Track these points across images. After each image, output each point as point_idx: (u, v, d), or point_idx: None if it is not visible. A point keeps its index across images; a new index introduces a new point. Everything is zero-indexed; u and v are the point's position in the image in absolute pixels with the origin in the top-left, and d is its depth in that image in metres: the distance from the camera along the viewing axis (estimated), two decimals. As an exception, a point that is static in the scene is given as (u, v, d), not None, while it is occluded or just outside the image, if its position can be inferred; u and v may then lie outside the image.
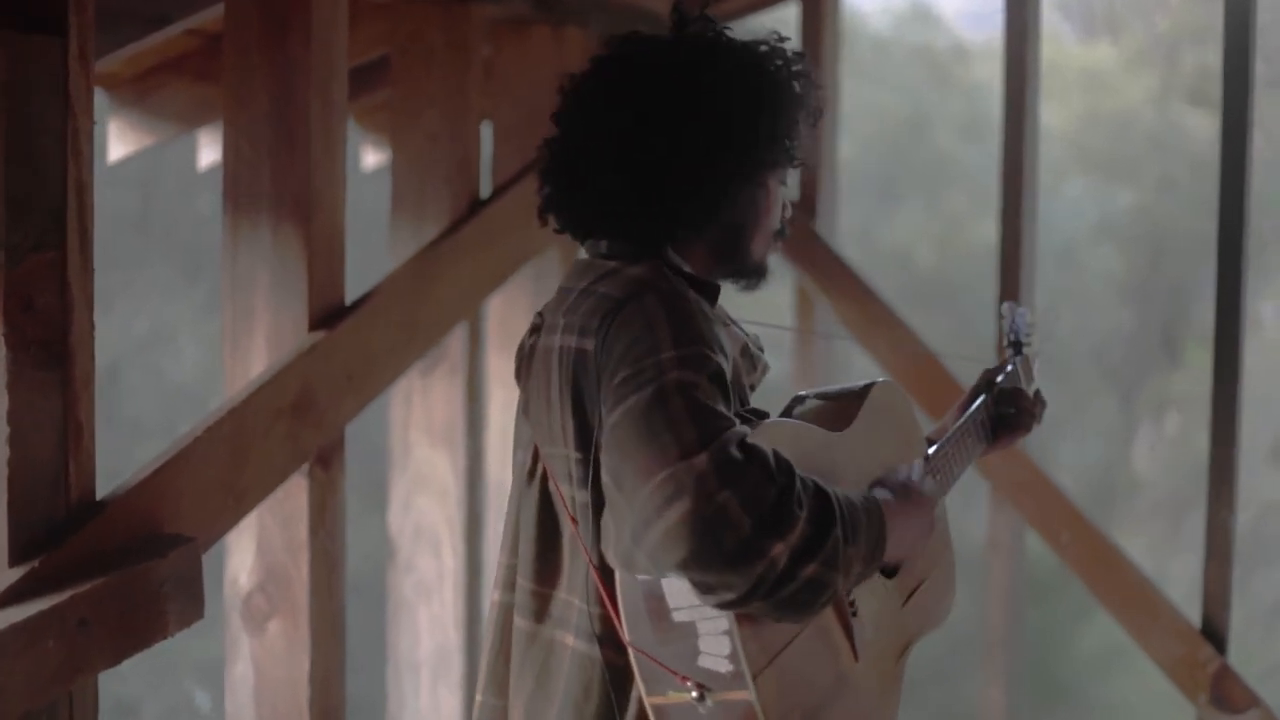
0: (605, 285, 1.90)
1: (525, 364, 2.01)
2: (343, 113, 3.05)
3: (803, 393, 2.18)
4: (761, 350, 2.17)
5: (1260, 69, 3.78)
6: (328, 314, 3.01)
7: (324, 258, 3.00)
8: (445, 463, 3.51)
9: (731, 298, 2.11)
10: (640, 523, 1.70)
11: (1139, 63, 14.46)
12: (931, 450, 2.31)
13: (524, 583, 1.99)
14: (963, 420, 2.45)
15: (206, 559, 2.57)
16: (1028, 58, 4.40)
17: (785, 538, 1.70)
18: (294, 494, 3.00)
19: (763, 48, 2.01)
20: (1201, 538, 3.83)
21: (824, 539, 1.74)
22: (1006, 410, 2.52)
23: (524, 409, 2.00)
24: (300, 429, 2.91)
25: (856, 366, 4.97)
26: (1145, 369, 13.89)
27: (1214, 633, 3.92)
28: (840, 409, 2.11)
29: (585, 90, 2.02)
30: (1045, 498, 4.27)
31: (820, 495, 1.77)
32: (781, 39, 2.04)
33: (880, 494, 1.97)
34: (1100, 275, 13.76)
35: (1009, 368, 2.62)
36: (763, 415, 1.99)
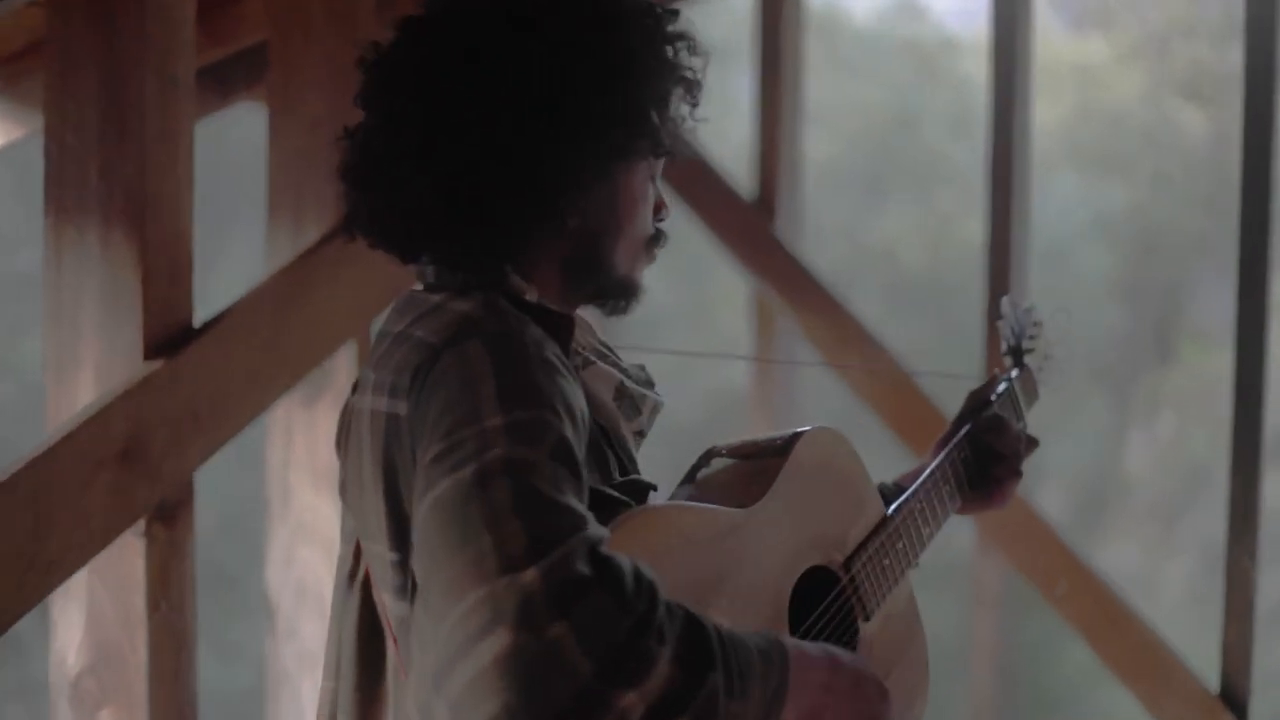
0: (423, 327, 1.49)
1: (344, 432, 1.57)
2: (189, 93, 2.53)
3: (717, 446, 1.73)
4: (650, 385, 1.71)
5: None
6: (169, 338, 2.52)
7: (164, 270, 2.49)
8: (333, 509, 3.00)
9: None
10: (444, 660, 1.23)
11: (1131, 57, 14.07)
12: (890, 510, 1.83)
13: (343, 718, 1.54)
14: (932, 467, 1.94)
15: (31, 627, 2.16)
16: (1017, 51, 4.07)
17: (640, 685, 1.23)
18: (128, 557, 2.49)
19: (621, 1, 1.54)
20: (1194, 542, 3.42)
21: (695, 688, 1.27)
22: (985, 446, 2.01)
23: (341, 491, 1.55)
24: (131, 480, 2.41)
25: (827, 390, 4.46)
26: (1138, 368, 13.55)
27: (1234, 698, 3.44)
28: (757, 471, 1.65)
29: (389, 62, 1.55)
30: (1036, 541, 3.77)
31: (693, 628, 1.30)
32: None
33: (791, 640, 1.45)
34: (1092, 273, 13.37)
35: (1001, 386, 2.10)
36: (643, 488, 1.57)
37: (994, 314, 2.46)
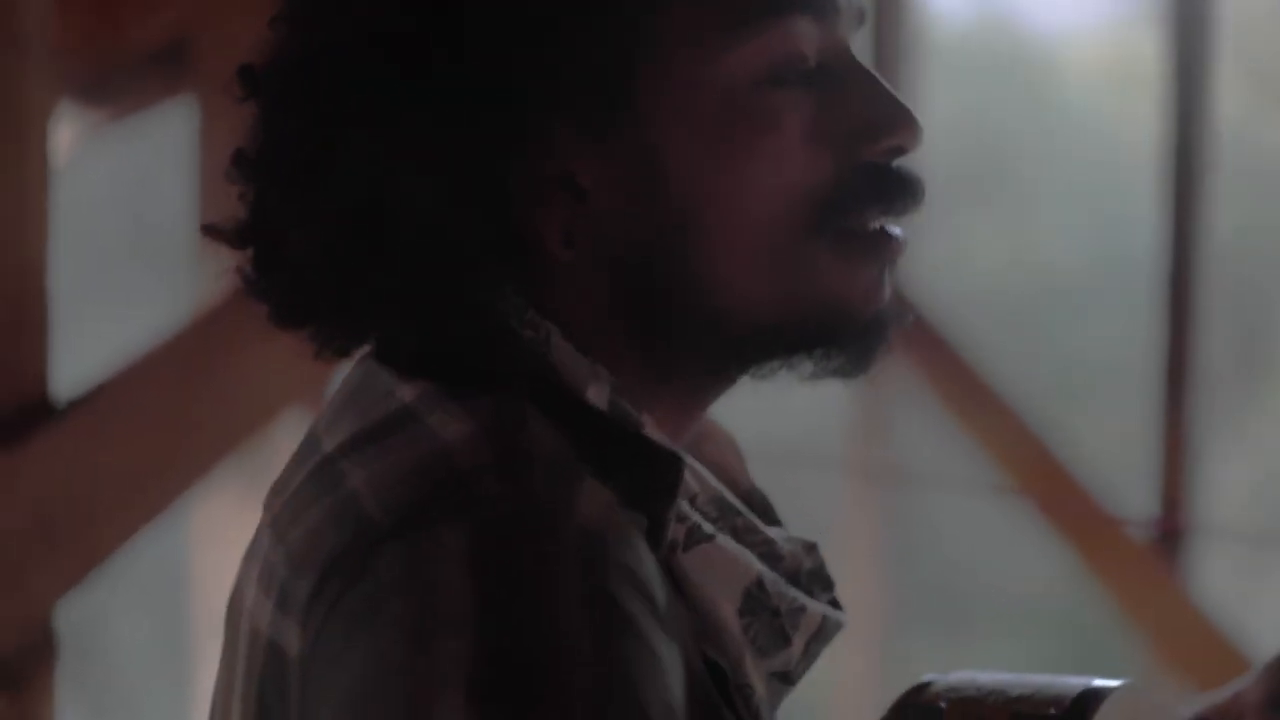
0: (364, 465, 0.81)
1: (231, 612, 0.90)
2: (46, 99, 1.99)
3: (928, 679, 0.93)
4: (824, 582, 0.92)
5: None
6: (15, 422, 1.95)
7: (7, 327, 1.94)
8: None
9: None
10: None
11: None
12: None
13: None
14: None
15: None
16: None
17: None
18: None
19: None
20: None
21: None
22: None
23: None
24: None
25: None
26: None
27: None
28: None
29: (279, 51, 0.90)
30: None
31: None
32: None
33: None
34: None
35: None
36: None
37: None
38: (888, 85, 0.86)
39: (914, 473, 3.78)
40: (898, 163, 0.85)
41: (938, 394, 3.64)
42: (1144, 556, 3.32)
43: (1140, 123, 3.67)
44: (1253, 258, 4.27)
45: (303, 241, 0.85)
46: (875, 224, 0.86)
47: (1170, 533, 3.15)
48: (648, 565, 0.77)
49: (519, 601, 0.73)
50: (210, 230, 0.90)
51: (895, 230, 0.86)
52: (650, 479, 0.82)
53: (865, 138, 0.84)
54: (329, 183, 0.84)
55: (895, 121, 0.85)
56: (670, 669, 0.75)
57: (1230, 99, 3.77)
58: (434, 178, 0.82)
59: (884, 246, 0.86)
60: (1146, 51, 3.87)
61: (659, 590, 0.77)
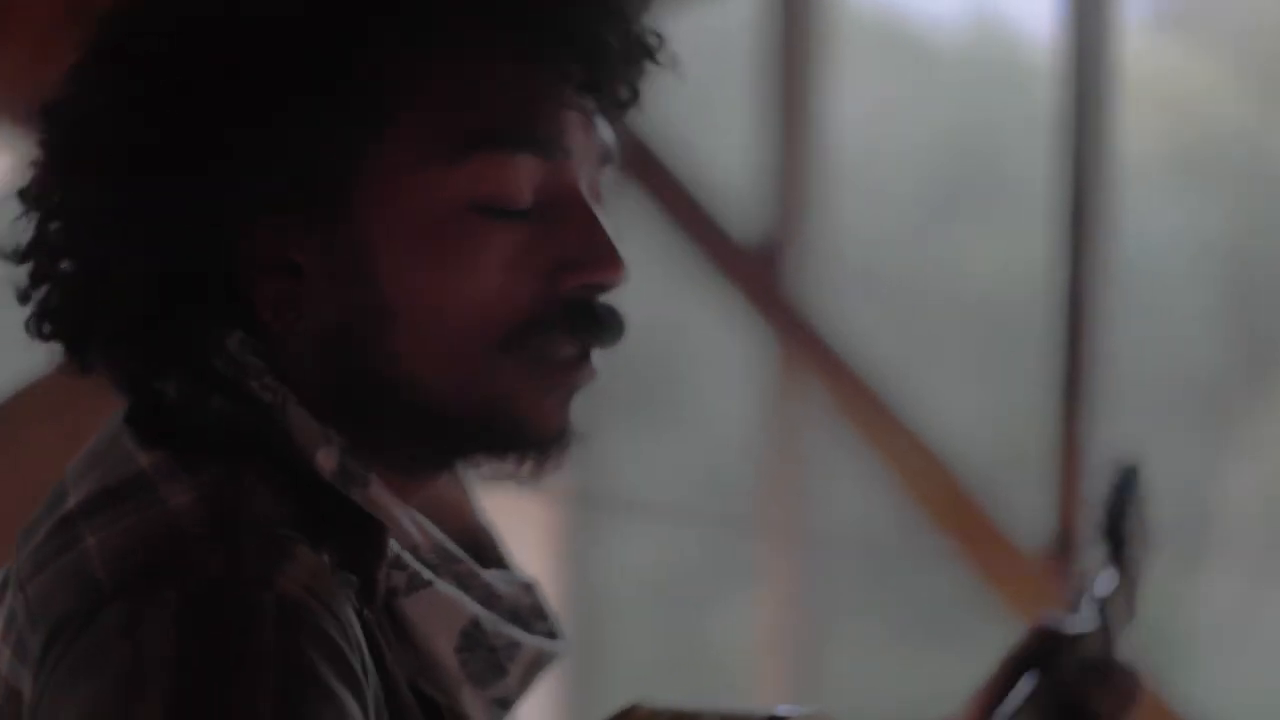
0: (98, 528, 0.88)
1: None
2: None
3: (640, 706, 0.97)
4: (540, 615, 1.01)
5: None
6: None
7: None
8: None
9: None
10: None
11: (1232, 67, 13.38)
12: None
13: None
14: None
15: None
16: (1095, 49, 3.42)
17: None
18: None
19: None
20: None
21: None
22: (1080, 705, 1.23)
23: None
24: None
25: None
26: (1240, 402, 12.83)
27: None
28: None
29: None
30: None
31: None
32: None
33: None
34: (1190, 301, 12.64)
35: (1100, 605, 1.28)
36: None
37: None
38: (605, 225, 0.91)
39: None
40: (600, 299, 0.91)
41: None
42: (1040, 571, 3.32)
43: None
44: (1261, 261, 4.23)
45: (52, 273, 0.91)
46: (566, 351, 0.91)
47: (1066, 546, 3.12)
48: (347, 628, 0.84)
49: (214, 661, 0.80)
50: None
51: (586, 359, 0.92)
52: (360, 543, 0.89)
53: (567, 271, 0.90)
54: (73, 228, 0.91)
55: (600, 260, 0.90)
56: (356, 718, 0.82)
57: (1241, 103, 3.76)
58: (160, 242, 0.89)
59: (569, 373, 0.92)
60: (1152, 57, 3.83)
61: (355, 653, 0.84)
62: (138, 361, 0.91)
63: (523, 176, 0.90)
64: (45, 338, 0.94)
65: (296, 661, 0.80)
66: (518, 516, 3.31)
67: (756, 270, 3.63)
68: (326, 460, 0.90)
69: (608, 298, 0.92)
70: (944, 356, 4.69)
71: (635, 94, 0.95)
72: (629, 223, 3.61)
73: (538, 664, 0.99)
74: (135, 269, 0.90)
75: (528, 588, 1.00)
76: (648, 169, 3.44)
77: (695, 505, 3.84)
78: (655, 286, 3.83)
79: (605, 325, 0.92)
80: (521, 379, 0.91)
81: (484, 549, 1.01)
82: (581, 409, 0.93)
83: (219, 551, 0.84)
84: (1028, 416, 3.41)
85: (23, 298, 0.93)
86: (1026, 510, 3.34)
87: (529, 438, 0.93)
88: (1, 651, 0.89)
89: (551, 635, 0.99)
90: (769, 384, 3.79)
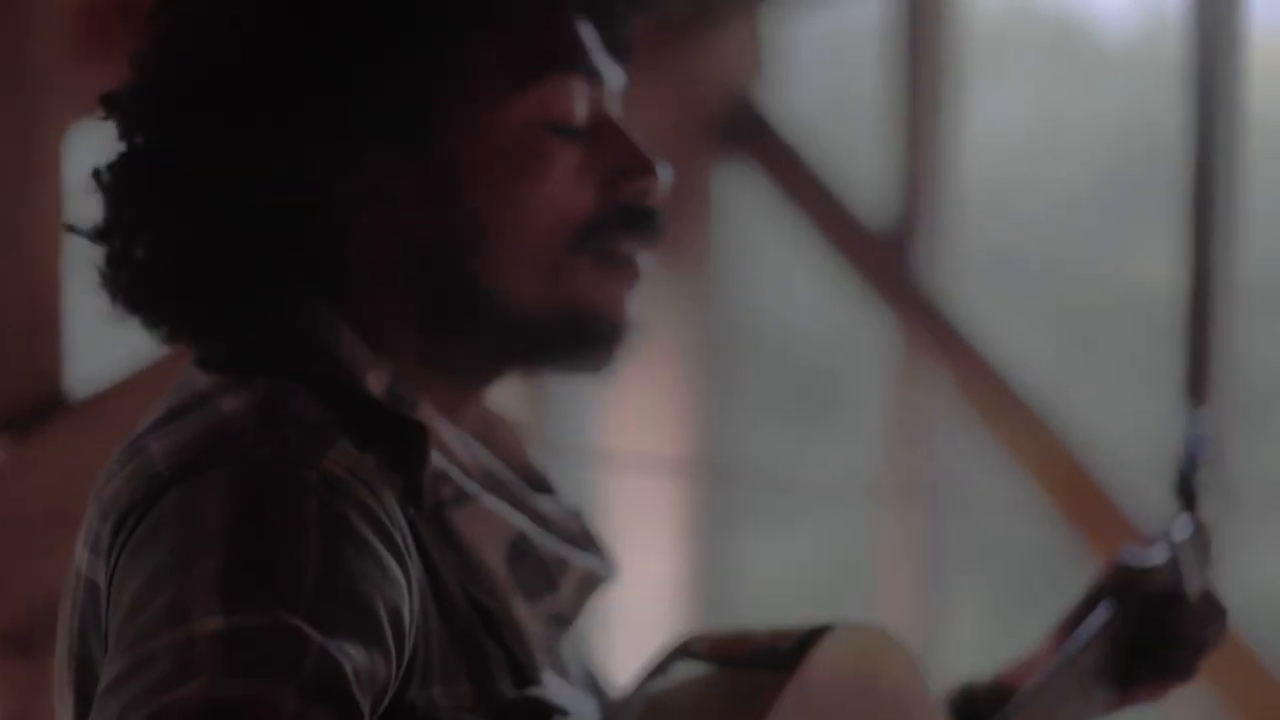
0: (163, 437, 0.97)
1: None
2: (58, 87, 2.01)
3: (693, 640, 1.08)
4: (586, 541, 1.10)
5: None
6: (24, 413, 2.01)
7: (19, 320, 2.01)
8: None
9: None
10: None
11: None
12: None
13: None
14: (1057, 666, 1.27)
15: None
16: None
17: None
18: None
19: None
20: None
21: None
22: (1153, 634, 1.30)
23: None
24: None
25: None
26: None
27: None
28: (745, 691, 1.03)
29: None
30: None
31: None
32: None
33: None
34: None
35: (1172, 546, 1.34)
36: (544, 713, 1.01)
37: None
38: (638, 141, 1.06)
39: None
40: (647, 202, 1.06)
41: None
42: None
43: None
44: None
45: (142, 244, 1.01)
46: (625, 247, 1.05)
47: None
48: (390, 509, 0.93)
49: (262, 525, 0.89)
50: (71, 229, 1.04)
51: (640, 259, 1.06)
52: (403, 448, 0.98)
53: (622, 178, 1.05)
54: (167, 194, 1.01)
55: (645, 168, 1.06)
56: (399, 582, 0.90)
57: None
58: (260, 193, 0.99)
59: (630, 268, 1.06)
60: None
61: (396, 530, 0.93)
62: (225, 301, 1.02)
63: (577, 95, 1.04)
64: (135, 303, 1.03)
65: (338, 524, 0.89)
66: (660, 500, 3.43)
67: (886, 256, 3.65)
68: (376, 383, 1.01)
69: (653, 199, 1.06)
70: (1082, 350, 4.71)
71: (630, 36, 1.10)
72: (763, 212, 3.66)
73: (589, 583, 1.08)
74: (250, 209, 0.99)
75: (577, 515, 1.10)
76: (779, 159, 3.48)
77: (829, 484, 3.87)
78: (788, 273, 3.90)
79: (655, 223, 1.06)
80: (592, 274, 1.04)
81: (535, 484, 1.10)
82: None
83: (268, 439, 0.93)
84: (1159, 414, 3.40)
85: (113, 261, 1.02)
86: (1155, 505, 3.31)
87: (601, 328, 1.05)
88: (82, 554, 0.98)
89: (600, 559, 1.09)
90: (896, 370, 3.80)
